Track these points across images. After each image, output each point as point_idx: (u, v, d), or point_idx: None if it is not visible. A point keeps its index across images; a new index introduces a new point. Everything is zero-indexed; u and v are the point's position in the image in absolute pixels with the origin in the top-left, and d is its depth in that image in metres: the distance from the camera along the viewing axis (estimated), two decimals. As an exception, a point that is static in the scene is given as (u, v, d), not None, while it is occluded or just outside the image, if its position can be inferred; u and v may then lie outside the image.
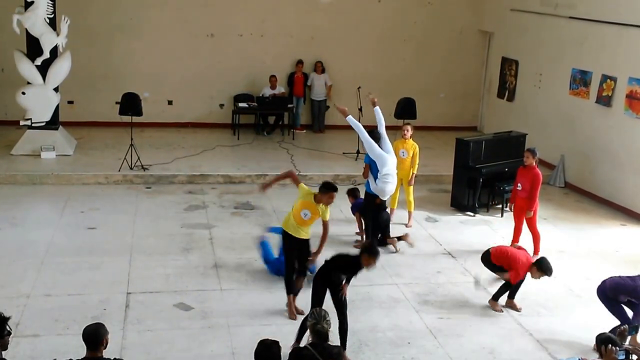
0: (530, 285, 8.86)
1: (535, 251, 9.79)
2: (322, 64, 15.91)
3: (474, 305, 8.34)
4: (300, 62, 15.83)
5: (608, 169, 12.38)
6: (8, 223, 10.12)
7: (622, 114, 11.97)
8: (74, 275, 8.53)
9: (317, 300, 6.78)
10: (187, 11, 15.38)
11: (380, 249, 9.67)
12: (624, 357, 5.46)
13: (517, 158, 11.31)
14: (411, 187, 10.83)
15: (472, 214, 11.59)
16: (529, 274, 8.13)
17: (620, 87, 12.02)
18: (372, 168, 9.55)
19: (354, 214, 10.29)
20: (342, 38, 16.05)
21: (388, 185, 9.41)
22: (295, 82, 15.94)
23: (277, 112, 15.79)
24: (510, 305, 8.28)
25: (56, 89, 13.18)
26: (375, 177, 9.45)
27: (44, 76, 12.90)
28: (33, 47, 12.77)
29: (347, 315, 6.93)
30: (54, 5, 12.77)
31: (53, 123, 13.17)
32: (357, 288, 8.25)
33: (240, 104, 15.44)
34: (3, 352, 4.84)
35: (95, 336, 4.86)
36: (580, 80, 13.04)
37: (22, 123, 12.97)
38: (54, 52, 12.92)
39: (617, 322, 7.21)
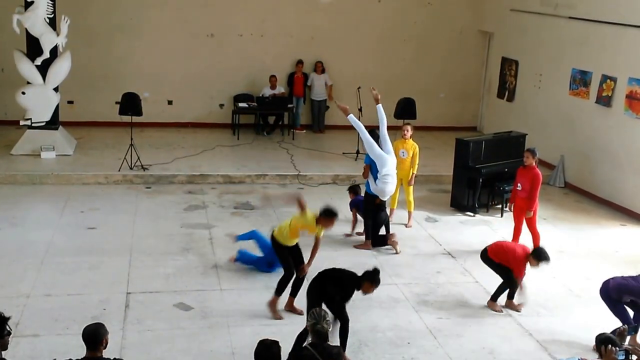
0: (530, 286, 8.87)
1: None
2: (322, 64, 15.91)
3: (474, 306, 8.34)
4: (300, 62, 15.83)
5: (608, 169, 12.39)
6: (8, 223, 10.12)
7: (622, 114, 11.98)
8: (74, 275, 8.53)
9: (314, 306, 6.75)
10: (187, 11, 15.39)
11: (380, 249, 9.80)
12: (623, 357, 5.47)
13: (517, 158, 11.31)
14: (411, 187, 10.83)
15: (471, 214, 11.59)
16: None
17: (620, 87, 12.02)
18: (372, 168, 9.56)
19: (350, 210, 10.29)
20: (342, 38, 16.05)
21: (388, 186, 9.41)
22: (295, 82, 15.94)
23: (277, 112, 15.79)
24: (510, 305, 8.28)
25: (56, 89, 13.19)
26: (375, 178, 9.45)
27: (44, 76, 12.90)
28: (33, 47, 12.78)
29: (349, 319, 6.93)
30: (54, 5, 12.77)
31: (53, 123, 13.18)
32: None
33: (240, 104, 15.44)
34: (3, 352, 4.84)
35: (95, 336, 4.86)
36: (580, 80, 13.05)
37: (22, 123, 12.98)
38: (54, 52, 12.92)
39: (616, 322, 7.20)
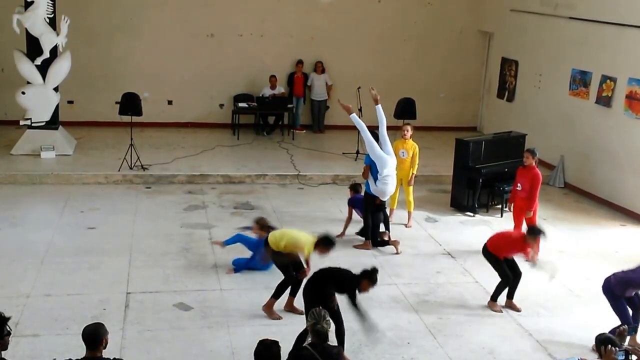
0: (530, 286, 8.87)
1: (535, 251, 9.78)
2: (322, 64, 15.91)
3: (474, 306, 8.34)
4: (300, 62, 15.83)
5: (608, 169, 12.39)
6: (8, 223, 10.12)
7: (622, 114, 11.98)
8: (74, 275, 8.53)
9: (311, 307, 6.74)
10: (187, 11, 15.39)
11: (380, 249, 9.81)
12: (623, 357, 5.47)
13: (517, 158, 11.30)
14: (411, 187, 10.83)
15: (471, 214, 11.60)
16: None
17: (620, 87, 12.02)
18: (372, 169, 9.56)
19: (348, 206, 10.29)
20: (342, 38, 16.05)
21: (388, 187, 9.42)
22: (295, 82, 15.95)
23: (277, 112, 15.79)
24: (510, 305, 8.28)
25: (56, 89, 13.19)
26: (375, 179, 9.45)
27: (43, 76, 12.91)
28: (33, 47, 12.78)
29: (343, 320, 6.92)
30: (54, 5, 12.77)
31: (53, 123, 13.18)
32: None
33: (240, 104, 15.45)
34: (3, 352, 4.84)
35: (94, 336, 4.85)
36: (580, 80, 13.05)
37: (22, 123, 12.98)
38: (54, 51, 12.93)
39: (616, 322, 7.20)
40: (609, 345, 5.31)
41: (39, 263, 8.79)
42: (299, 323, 6.99)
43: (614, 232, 11.18)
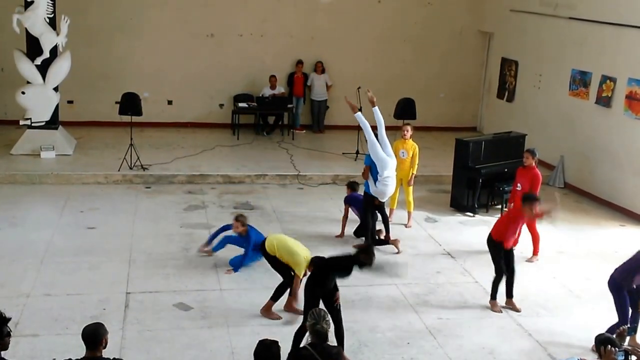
0: (530, 286, 8.89)
1: (535, 252, 9.80)
2: (322, 64, 15.92)
3: (474, 306, 8.34)
4: (300, 62, 15.83)
5: (607, 169, 12.39)
6: (8, 223, 10.12)
7: (622, 114, 11.98)
8: (74, 275, 8.53)
9: (312, 305, 6.74)
10: (187, 11, 15.39)
11: (380, 249, 9.80)
12: (623, 357, 5.46)
13: (517, 158, 11.30)
14: (411, 188, 10.83)
15: (471, 214, 11.60)
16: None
17: (619, 87, 12.02)
18: (372, 170, 9.54)
19: (344, 204, 10.27)
20: (342, 38, 16.05)
21: (388, 188, 9.41)
22: (295, 82, 15.95)
23: (277, 112, 15.79)
24: (510, 304, 8.28)
25: (56, 89, 13.19)
26: (375, 179, 9.44)
27: (43, 76, 12.90)
28: (33, 46, 12.78)
29: (342, 320, 6.92)
30: (54, 5, 12.77)
31: (53, 123, 13.18)
32: (356, 288, 8.26)
33: (240, 104, 15.45)
34: (3, 352, 4.84)
35: (94, 336, 4.85)
36: (580, 80, 13.05)
37: (21, 123, 12.98)
38: (54, 51, 12.93)
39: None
40: (609, 346, 5.31)
41: (38, 263, 8.79)
42: (299, 323, 6.98)
43: (613, 233, 11.19)
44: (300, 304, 7.25)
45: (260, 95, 15.46)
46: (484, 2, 16.50)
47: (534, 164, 9.71)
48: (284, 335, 6.65)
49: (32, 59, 12.79)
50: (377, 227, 10.20)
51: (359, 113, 9.26)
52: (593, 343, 5.84)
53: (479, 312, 8.19)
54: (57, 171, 12.20)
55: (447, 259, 9.75)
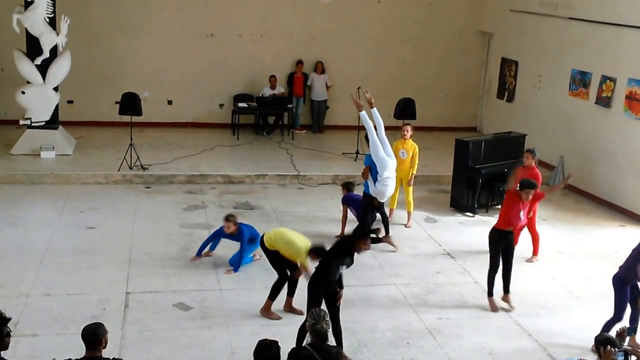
0: (529, 286, 8.89)
1: (534, 252, 9.80)
2: (322, 64, 15.92)
3: (473, 306, 8.34)
4: (300, 62, 15.84)
5: (607, 169, 12.39)
6: (7, 222, 10.13)
7: (622, 115, 11.98)
8: (73, 274, 8.53)
9: (314, 304, 6.74)
10: (187, 11, 15.39)
11: (379, 249, 9.80)
12: (622, 358, 5.46)
13: (517, 159, 11.31)
14: (411, 188, 10.83)
15: (471, 214, 11.60)
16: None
17: (619, 88, 12.02)
18: (371, 170, 9.53)
19: (342, 205, 10.27)
20: (342, 38, 16.05)
21: (387, 189, 9.40)
22: (295, 82, 15.95)
23: (277, 112, 15.79)
24: (506, 300, 8.28)
25: (56, 89, 13.19)
26: (375, 180, 9.43)
27: (43, 76, 12.91)
28: (33, 46, 12.78)
29: (340, 318, 6.91)
30: (53, 5, 12.77)
31: (53, 122, 13.18)
32: (356, 288, 8.26)
33: (240, 104, 15.45)
34: (2, 352, 4.84)
35: (94, 336, 4.85)
36: (580, 81, 13.05)
37: (21, 122, 12.98)
38: (54, 51, 12.93)
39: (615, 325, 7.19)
40: (608, 346, 5.31)
41: (38, 263, 8.79)
42: (299, 323, 6.98)
43: (613, 233, 11.19)
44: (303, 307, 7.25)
45: (260, 95, 15.46)
46: (484, 2, 16.51)
47: (533, 164, 9.71)
48: (283, 335, 6.66)
49: (32, 59, 12.79)
50: (376, 227, 10.20)
51: (364, 112, 9.22)
52: (593, 343, 5.84)
53: (478, 312, 8.19)
54: (57, 171, 12.21)
55: (446, 259, 9.75)
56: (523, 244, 9.63)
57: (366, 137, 9.83)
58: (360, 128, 13.49)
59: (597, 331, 7.10)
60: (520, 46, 15.07)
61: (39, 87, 12.94)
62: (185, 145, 14.39)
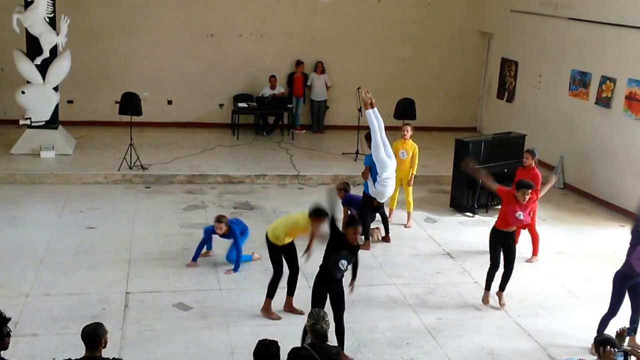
0: (529, 286, 8.90)
1: (534, 252, 9.81)
2: (322, 64, 15.92)
3: (473, 306, 8.34)
4: (300, 63, 15.83)
5: (607, 170, 12.40)
6: (7, 222, 10.13)
7: (622, 115, 11.98)
8: (73, 274, 8.53)
9: (318, 304, 6.74)
10: (187, 11, 15.39)
11: (378, 247, 9.80)
12: (622, 358, 5.47)
13: (517, 159, 11.30)
14: (410, 188, 10.84)
15: (471, 214, 11.60)
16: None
17: (619, 88, 12.03)
18: (371, 170, 9.53)
19: (343, 207, 10.26)
20: (342, 38, 16.06)
21: (387, 189, 9.40)
22: (295, 82, 15.95)
23: (277, 112, 15.79)
24: (499, 296, 8.30)
25: (56, 89, 13.19)
26: (375, 180, 9.43)
27: (43, 75, 12.91)
28: (33, 46, 12.78)
29: (344, 316, 6.92)
30: (53, 5, 12.77)
31: (52, 122, 13.18)
32: (356, 288, 8.22)
33: (240, 104, 15.45)
34: (2, 352, 4.85)
35: (94, 335, 4.85)
36: (580, 81, 13.06)
37: (21, 122, 12.99)
38: (54, 51, 12.93)
39: (615, 326, 7.18)
40: (608, 346, 5.31)
41: (38, 262, 8.79)
42: (299, 323, 6.99)
43: (613, 233, 11.18)
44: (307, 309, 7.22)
45: (260, 95, 15.46)
46: (484, 2, 16.51)
47: (533, 164, 9.71)
48: (283, 335, 6.66)
49: (32, 59, 12.79)
50: (375, 226, 10.21)
51: (370, 111, 9.18)
52: (592, 344, 5.85)
53: (478, 313, 8.19)
54: (56, 171, 12.21)
55: (446, 259, 9.76)
56: (523, 244, 9.63)
57: (366, 136, 9.84)
58: (361, 128, 13.54)
59: (596, 328, 7.13)
60: (520, 46, 15.07)
61: (39, 87, 12.94)
62: (185, 145, 14.40)
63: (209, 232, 9.05)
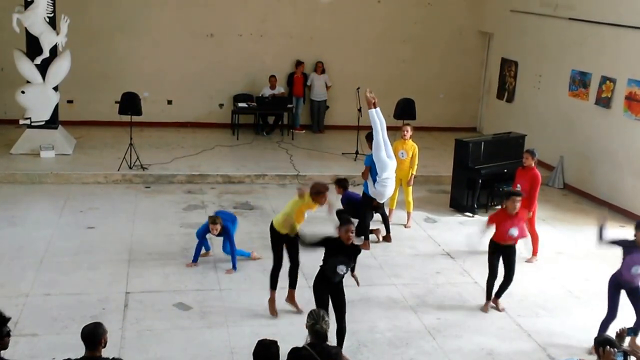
0: (529, 286, 8.90)
1: (534, 252, 9.81)
2: (322, 64, 15.92)
3: (473, 306, 8.35)
4: (300, 63, 15.83)
5: (607, 170, 12.40)
6: (7, 222, 10.13)
7: (621, 115, 11.99)
8: (73, 274, 8.53)
9: (321, 305, 6.74)
10: (187, 11, 15.39)
11: (378, 247, 9.81)
12: (622, 358, 5.47)
13: (516, 159, 11.31)
14: (410, 188, 10.84)
15: (471, 214, 11.60)
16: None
17: (619, 88, 12.03)
18: (371, 171, 9.53)
19: (343, 206, 10.25)
20: (342, 38, 16.06)
21: (387, 190, 9.41)
22: (295, 82, 15.95)
23: (277, 112, 15.79)
24: (495, 303, 8.29)
25: (56, 88, 13.19)
26: (375, 181, 9.43)
27: (43, 75, 12.91)
28: (33, 46, 12.78)
29: (346, 318, 6.92)
30: (53, 5, 12.77)
31: (52, 122, 13.18)
32: (356, 288, 8.23)
33: (240, 104, 15.45)
34: (2, 352, 4.85)
35: (93, 335, 4.86)
36: (580, 81, 13.06)
37: (21, 122, 12.98)
38: (54, 51, 12.93)
39: (615, 326, 7.19)
40: (608, 347, 5.31)
41: (38, 262, 8.79)
42: (298, 323, 7.00)
43: (613, 233, 11.15)
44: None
45: (260, 95, 15.46)
46: (484, 2, 16.51)
47: (533, 164, 9.71)
48: (283, 335, 6.67)
49: (32, 59, 12.79)
50: (376, 227, 10.21)
51: (373, 110, 9.18)
52: (592, 344, 5.85)
53: (478, 313, 8.19)
54: (56, 171, 12.21)
55: (446, 260, 9.76)
56: (522, 245, 9.61)
57: (367, 137, 9.85)
58: (360, 128, 13.55)
59: (597, 331, 7.13)
60: (520, 46, 15.07)
61: (39, 87, 12.94)
62: (185, 145, 14.40)
63: (201, 234, 9.04)
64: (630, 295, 7.25)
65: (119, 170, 12.37)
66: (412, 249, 10.03)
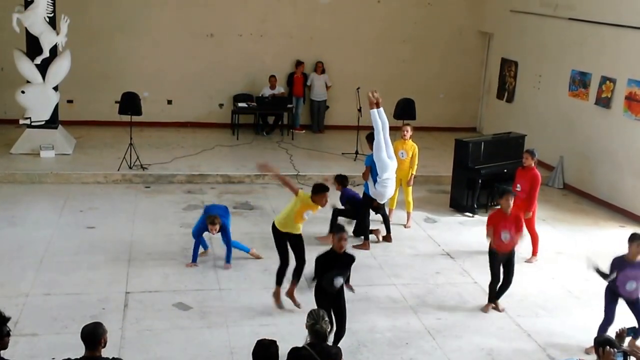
0: (529, 287, 8.90)
1: (534, 252, 9.81)
2: (322, 64, 15.92)
3: (473, 306, 8.35)
4: (300, 63, 15.83)
5: (607, 170, 12.40)
6: (7, 222, 10.13)
7: (621, 115, 11.99)
8: (73, 274, 8.53)
9: (320, 306, 6.73)
10: (187, 11, 15.39)
11: (377, 246, 9.80)
12: (621, 358, 5.47)
13: (516, 159, 11.31)
14: (410, 188, 10.84)
15: (470, 214, 11.60)
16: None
17: (619, 88, 12.03)
18: (372, 171, 9.53)
19: (342, 205, 10.24)
20: (342, 38, 16.06)
21: (387, 190, 9.41)
22: (295, 82, 15.95)
23: (277, 112, 15.79)
24: (495, 304, 8.29)
25: (56, 88, 13.19)
26: (375, 181, 9.43)
27: (43, 75, 12.90)
28: (33, 46, 12.78)
29: (346, 322, 6.92)
30: (53, 4, 12.77)
31: (52, 122, 13.18)
32: (355, 288, 8.24)
33: (240, 104, 15.44)
34: (2, 352, 4.85)
35: (93, 335, 4.86)
36: (580, 81, 13.06)
37: (21, 122, 12.98)
38: (54, 51, 12.93)
39: (615, 327, 7.18)
40: (608, 347, 5.31)
41: (38, 262, 8.79)
42: (298, 322, 6.99)
43: (613, 233, 11.18)
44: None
45: (260, 95, 15.46)
46: (484, 2, 16.51)
47: (533, 164, 9.71)
48: (283, 335, 6.67)
49: (32, 59, 12.79)
50: (375, 227, 10.20)
51: (375, 110, 9.17)
52: (591, 345, 5.85)
53: (478, 313, 8.19)
54: (56, 170, 12.20)
55: (446, 260, 9.76)
56: (523, 244, 9.61)
57: (368, 137, 9.85)
58: (361, 128, 13.56)
59: (596, 332, 7.13)
60: (520, 46, 15.07)
61: (39, 87, 12.94)
62: (185, 145, 14.40)
63: (197, 233, 9.03)
64: (629, 304, 7.28)
65: (118, 170, 12.37)
66: (412, 249, 10.03)
